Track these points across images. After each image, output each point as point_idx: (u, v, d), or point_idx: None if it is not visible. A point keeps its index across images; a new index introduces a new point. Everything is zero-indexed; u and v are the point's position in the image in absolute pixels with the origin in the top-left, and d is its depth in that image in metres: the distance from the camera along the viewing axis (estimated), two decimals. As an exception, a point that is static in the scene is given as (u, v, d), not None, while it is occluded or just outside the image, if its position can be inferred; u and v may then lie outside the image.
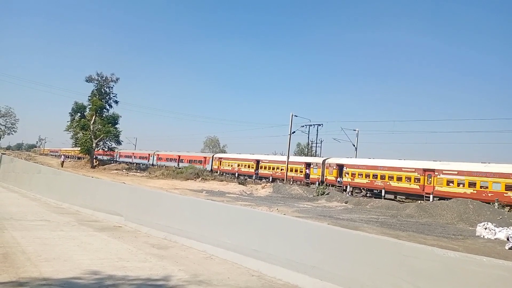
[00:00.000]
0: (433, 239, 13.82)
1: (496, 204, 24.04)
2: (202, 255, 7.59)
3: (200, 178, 41.19)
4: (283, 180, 41.76)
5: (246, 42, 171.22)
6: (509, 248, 12.82)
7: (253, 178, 47.69)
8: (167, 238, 8.86)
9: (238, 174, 49.88)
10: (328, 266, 5.78)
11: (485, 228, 15.85)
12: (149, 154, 71.44)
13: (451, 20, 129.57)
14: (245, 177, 48.43)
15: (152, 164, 65.72)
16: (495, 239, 14.88)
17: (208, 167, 55.14)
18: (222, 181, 40.76)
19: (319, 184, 37.58)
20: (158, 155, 68.84)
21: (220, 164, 54.89)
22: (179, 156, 63.15)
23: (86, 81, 53.80)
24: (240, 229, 7.55)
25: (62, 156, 61.35)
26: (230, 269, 6.70)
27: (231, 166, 52.65)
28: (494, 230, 15.57)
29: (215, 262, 7.11)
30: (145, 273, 6.05)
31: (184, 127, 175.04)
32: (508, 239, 13.92)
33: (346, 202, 27.18)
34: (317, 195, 30.99)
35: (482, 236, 15.41)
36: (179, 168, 49.14)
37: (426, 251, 4.95)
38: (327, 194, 31.06)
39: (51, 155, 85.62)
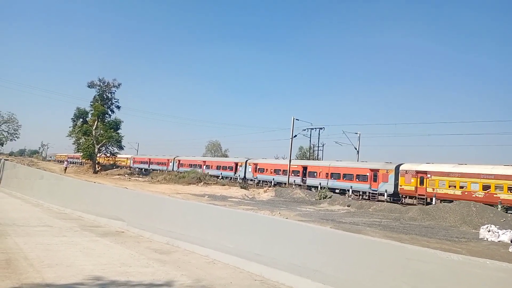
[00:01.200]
0: (436, 242, 13.77)
1: (500, 206, 23.95)
2: (205, 259, 7.58)
3: (202, 183, 41.22)
4: None
5: (248, 46, 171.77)
6: (513, 251, 12.75)
7: None
8: (169, 243, 8.86)
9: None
10: (331, 270, 5.77)
11: (489, 231, 15.78)
12: (236, 164, 51.22)
13: (450, 23, 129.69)
14: None
15: (245, 177, 48.28)
16: (499, 241, 14.81)
17: (384, 188, 32.49)
18: (224, 185, 40.78)
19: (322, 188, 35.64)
20: (255, 164, 47.86)
21: (424, 183, 29.71)
22: (305, 167, 41.65)
23: (88, 86, 54.17)
24: (243, 233, 7.55)
25: (65, 162, 61.14)
26: (232, 273, 6.69)
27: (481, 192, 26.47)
28: (498, 232, 15.50)
29: (217, 267, 7.10)
30: (148, 278, 6.05)
31: (185, 131, 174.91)
32: (511, 242, 13.85)
33: (348, 206, 27.10)
34: (319, 199, 30.92)
35: (485, 239, 15.34)
36: (181, 173, 49.15)
37: (429, 254, 4.93)
38: (330, 197, 30.98)
39: (70, 161, 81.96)
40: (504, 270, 4.20)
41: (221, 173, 52.36)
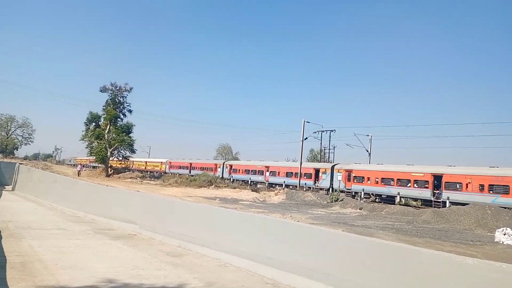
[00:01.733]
0: (450, 245, 13.55)
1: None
2: (216, 263, 7.59)
3: (213, 186, 41.33)
4: None
5: (258, 49, 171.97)
6: (530, 254, 12.49)
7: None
8: (181, 246, 8.89)
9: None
10: (343, 274, 5.72)
11: (504, 234, 15.49)
12: (317, 170, 40.62)
13: (460, 25, 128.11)
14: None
15: (331, 188, 37.36)
16: (515, 245, 14.53)
17: None
18: (235, 188, 40.80)
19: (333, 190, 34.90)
20: (348, 171, 36.65)
21: None
22: (438, 176, 29.35)
23: (101, 91, 54.94)
24: (254, 236, 7.54)
25: (79, 166, 61.37)
26: (244, 277, 6.68)
27: None
28: (514, 235, 15.20)
29: (229, 270, 7.10)
30: (160, 281, 6.08)
31: (195, 134, 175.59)
32: (528, 245, 13.57)
33: (360, 209, 26.90)
34: (331, 202, 30.72)
35: (501, 242, 15.06)
36: (192, 176, 49.30)
37: (443, 258, 4.86)
38: (341, 200, 30.77)
39: (96, 167, 76.01)
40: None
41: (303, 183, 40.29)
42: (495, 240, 15.39)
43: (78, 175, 47.98)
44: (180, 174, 57.35)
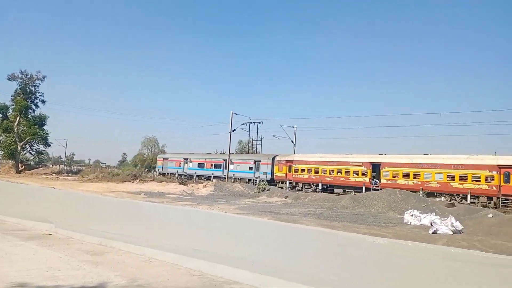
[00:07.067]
0: (366, 227, 14.64)
1: (421, 192, 26.08)
2: (141, 258, 7.38)
3: (138, 180, 39.89)
4: None
5: (185, 41, 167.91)
6: (432, 233, 13.97)
7: None
8: (102, 244, 8.49)
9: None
10: (269, 260, 5.91)
11: (412, 215, 17.13)
12: None
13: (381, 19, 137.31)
14: None
15: None
16: (421, 225, 16.12)
17: None
18: (161, 181, 39.78)
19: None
20: None
21: None
22: None
23: (8, 79, 49.89)
24: (180, 229, 7.46)
25: None
26: (170, 270, 6.58)
27: None
28: (419, 216, 16.87)
29: (154, 265, 6.95)
30: (79, 281, 5.75)
31: (120, 127, 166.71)
32: (431, 225, 15.14)
33: (286, 197, 27.89)
34: (258, 192, 31.46)
35: (409, 223, 16.62)
36: (114, 170, 47.11)
37: (358, 240, 5.27)
38: (268, 190, 31.64)
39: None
40: (424, 250, 4.62)
41: None
42: (404, 221, 16.96)
43: None
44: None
